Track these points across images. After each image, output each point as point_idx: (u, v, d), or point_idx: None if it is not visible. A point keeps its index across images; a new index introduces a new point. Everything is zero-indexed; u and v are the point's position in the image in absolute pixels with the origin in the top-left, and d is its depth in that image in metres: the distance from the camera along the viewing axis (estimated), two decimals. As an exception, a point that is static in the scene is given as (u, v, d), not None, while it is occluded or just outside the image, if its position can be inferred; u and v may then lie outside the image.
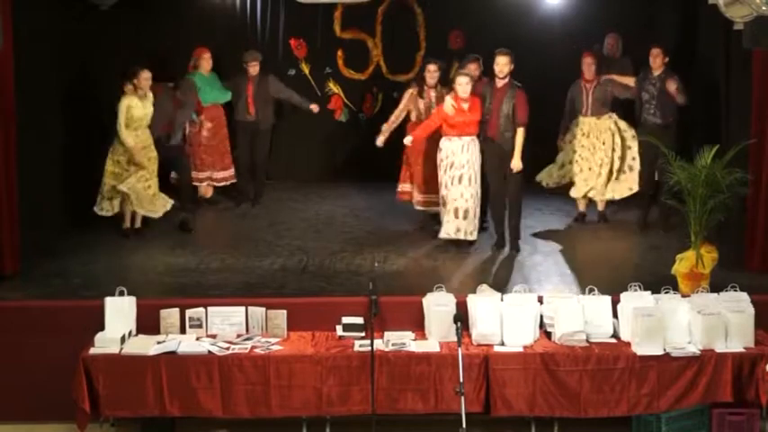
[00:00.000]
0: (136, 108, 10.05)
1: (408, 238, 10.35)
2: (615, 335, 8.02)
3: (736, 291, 8.12)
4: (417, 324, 8.17)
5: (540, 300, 8.19)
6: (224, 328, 8.12)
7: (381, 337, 7.97)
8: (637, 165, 10.54)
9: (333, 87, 13.09)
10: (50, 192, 10.43)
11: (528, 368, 7.76)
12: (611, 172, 10.58)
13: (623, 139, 10.60)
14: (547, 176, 11.02)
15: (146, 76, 10.11)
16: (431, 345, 7.93)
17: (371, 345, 7.57)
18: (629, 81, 10.45)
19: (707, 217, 8.54)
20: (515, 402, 7.75)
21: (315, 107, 11.71)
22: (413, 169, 10.33)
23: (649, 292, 8.17)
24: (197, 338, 8.03)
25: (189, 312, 8.14)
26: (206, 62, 11.44)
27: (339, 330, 8.11)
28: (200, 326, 8.13)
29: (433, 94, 10.18)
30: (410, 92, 10.34)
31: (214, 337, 8.07)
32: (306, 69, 13.03)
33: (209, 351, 7.81)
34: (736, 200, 8.74)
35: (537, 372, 7.75)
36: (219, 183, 11.68)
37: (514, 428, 7.97)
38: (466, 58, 10.50)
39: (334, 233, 10.72)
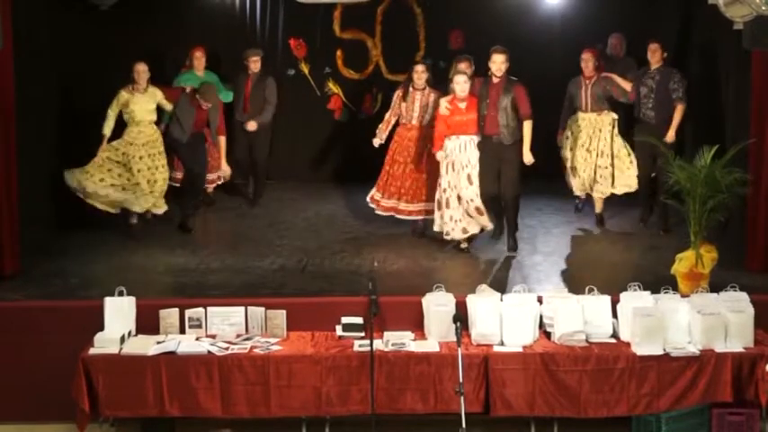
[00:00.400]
0: (134, 103, 10.03)
1: (408, 238, 10.34)
2: (615, 335, 8.02)
3: (735, 291, 8.12)
4: (417, 324, 8.17)
5: (540, 300, 8.19)
6: (223, 329, 8.12)
7: (381, 337, 7.97)
8: (634, 165, 10.46)
9: (332, 87, 13.09)
10: (50, 191, 10.44)
11: (528, 368, 7.75)
12: (610, 168, 10.45)
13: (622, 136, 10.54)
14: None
15: (140, 69, 10.08)
16: (430, 345, 7.93)
17: (371, 345, 7.57)
18: (627, 86, 10.33)
19: (706, 217, 8.54)
20: (515, 402, 7.75)
21: (252, 125, 11.45)
22: (397, 181, 10.19)
23: (649, 292, 8.17)
24: (197, 338, 8.03)
25: (188, 312, 8.14)
26: (198, 61, 11.37)
27: (339, 330, 8.11)
28: (199, 326, 8.13)
29: (418, 95, 10.10)
30: (398, 93, 10.30)
31: (214, 337, 8.07)
32: (305, 69, 13.03)
33: (209, 351, 7.81)
34: (736, 200, 8.74)
35: (537, 372, 7.74)
36: (211, 184, 11.58)
37: (514, 428, 7.97)
38: (456, 57, 10.49)
39: (334, 233, 10.72)
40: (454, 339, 7.50)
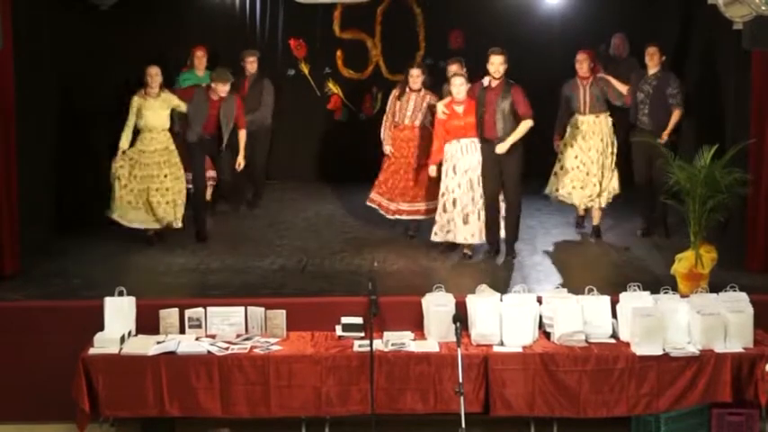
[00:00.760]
0: (147, 108, 9.76)
1: (407, 238, 10.35)
2: (614, 335, 8.01)
3: (735, 291, 8.12)
4: (417, 324, 8.16)
5: (540, 300, 8.19)
6: (223, 329, 8.12)
7: (381, 337, 7.96)
8: (615, 173, 10.29)
9: (332, 87, 13.11)
10: (50, 192, 10.45)
11: (527, 368, 7.75)
12: (605, 174, 10.30)
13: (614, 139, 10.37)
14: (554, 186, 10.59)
15: (153, 72, 9.80)
16: (430, 345, 7.93)
17: (371, 345, 7.57)
18: (623, 88, 10.17)
19: (706, 217, 8.54)
20: (515, 402, 7.75)
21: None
22: (395, 182, 10.17)
23: (648, 293, 8.16)
24: (196, 338, 8.03)
25: (188, 312, 8.14)
26: (199, 61, 11.36)
27: (338, 330, 8.11)
28: (199, 326, 8.13)
29: (413, 96, 10.09)
30: (394, 93, 10.29)
31: (213, 337, 8.07)
32: (305, 69, 13.05)
33: (209, 351, 7.81)
34: (736, 200, 8.74)
35: (536, 372, 7.74)
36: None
37: (514, 428, 7.97)
38: (448, 59, 10.46)
39: (334, 233, 10.72)
40: (454, 339, 7.50)
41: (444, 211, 9.61)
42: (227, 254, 9.88)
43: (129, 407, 7.75)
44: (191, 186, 10.38)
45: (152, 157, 9.87)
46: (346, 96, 13.15)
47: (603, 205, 10.38)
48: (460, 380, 7.16)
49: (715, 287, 8.30)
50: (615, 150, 10.34)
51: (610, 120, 10.34)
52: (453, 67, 10.13)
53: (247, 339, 8.01)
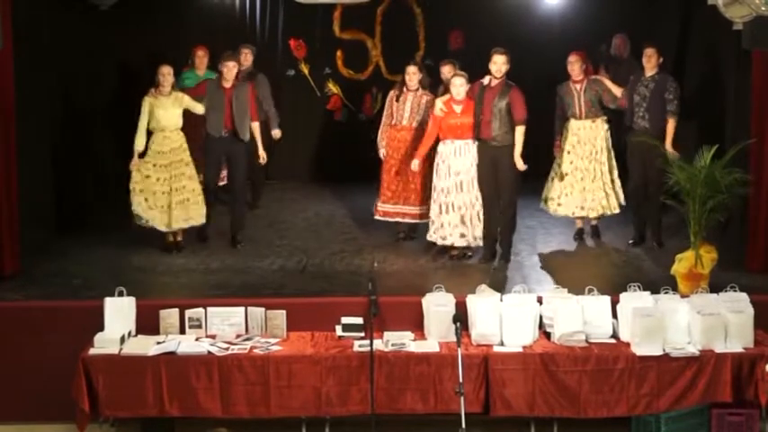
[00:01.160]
0: (159, 107, 9.54)
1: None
2: (614, 335, 8.02)
3: (735, 291, 8.12)
4: (417, 324, 8.16)
5: (540, 300, 8.19)
6: (223, 329, 8.12)
7: (381, 337, 7.96)
8: (618, 185, 10.12)
9: (332, 88, 13.11)
10: (50, 192, 10.44)
11: (527, 368, 7.75)
12: (605, 183, 10.08)
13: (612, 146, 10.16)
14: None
15: (165, 71, 9.59)
16: (430, 345, 7.93)
17: (371, 345, 7.58)
18: (618, 91, 9.95)
19: (706, 217, 8.54)
20: (515, 402, 7.75)
21: (277, 133, 11.23)
22: (393, 184, 10.10)
23: (649, 293, 8.16)
24: (196, 339, 8.03)
25: (188, 313, 8.14)
26: (200, 60, 11.32)
27: (338, 330, 8.11)
28: (199, 326, 8.13)
29: (410, 96, 10.04)
30: (391, 94, 10.24)
31: (213, 337, 8.07)
32: (305, 70, 13.05)
33: (209, 351, 7.81)
34: (736, 200, 8.74)
35: (536, 372, 7.74)
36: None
37: (514, 429, 7.98)
38: (441, 61, 10.45)
39: (334, 233, 10.72)
40: (454, 339, 7.50)
41: (439, 213, 9.57)
42: (227, 254, 9.88)
43: (129, 407, 7.75)
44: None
45: (168, 158, 9.68)
46: (346, 97, 13.15)
47: (598, 215, 10.18)
48: (461, 380, 7.16)
49: (715, 287, 8.31)
50: (613, 157, 10.11)
51: (606, 125, 10.11)
52: (445, 69, 10.11)
53: (247, 340, 8.01)
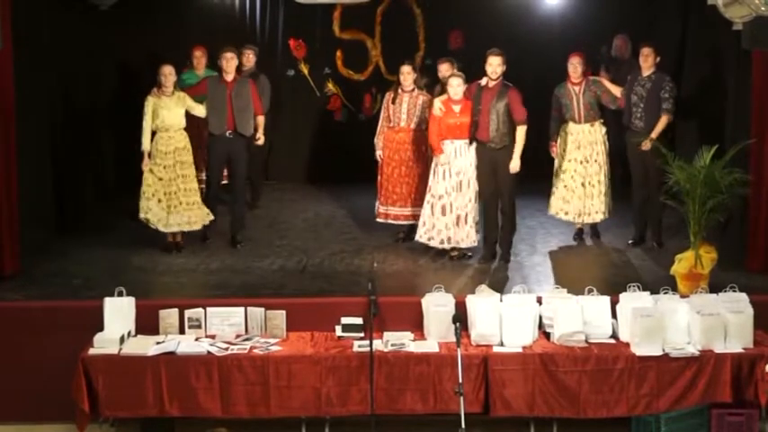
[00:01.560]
0: (162, 107, 9.51)
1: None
2: (614, 335, 8.02)
3: (735, 291, 8.12)
4: (416, 324, 8.16)
5: (539, 300, 8.19)
6: (223, 329, 8.12)
7: (380, 337, 7.96)
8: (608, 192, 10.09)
9: (332, 88, 13.11)
10: (50, 192, 10.44)
11: (527, 368, 7.76)
12: (605, 189, 10.04)
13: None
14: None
15: (167, 71, 9.57)
16: (430, 345, 7.93)
17: (371, 345, 7.58)
18: (617, 91, 9.93)
19: (706, 217, 8.54)
20: (514, 403, 7.75)
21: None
22: (392, 186, 10.08)
23: (648, 293, 8.17)
24: (196, 339, 8.03)
25: (188, 313, 8.14)
26: (198, 61, 11.30)
27: (338, 331, 8.11)
28: (199, 326, 8.13)
29: (406, 97, 10.01)
30: (387, 96, 10.22)
31: (213, 337, 8.07)
32: (305, 70, 13.06)
33: (209, 351, 7.81)
34: (736, 200, 8.74)
35: (536, 372, 7.75)
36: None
37: (514, 429, 7.97)
38: (438, 59, 10.44)
39: (334, 234, 10.72)
40: (454, 340, 7.49)
41: (432, 213, 9.53)
42: (226, 254, 9.88)
43: (129, 407, 7.75)
44: (203, 186, 10.33)
45: (173, 158, 9.65)
46: (346, 97, 13.16)
47: (599, 220, 10.16)
48: (460, 380, 7.15)
49: (715, 287, 8.31)
50: (607, 161, 10.02)
51: (604, 128, 10.05)
52: (443, 67, 10.10)
53: (247, 340, 8.01)
